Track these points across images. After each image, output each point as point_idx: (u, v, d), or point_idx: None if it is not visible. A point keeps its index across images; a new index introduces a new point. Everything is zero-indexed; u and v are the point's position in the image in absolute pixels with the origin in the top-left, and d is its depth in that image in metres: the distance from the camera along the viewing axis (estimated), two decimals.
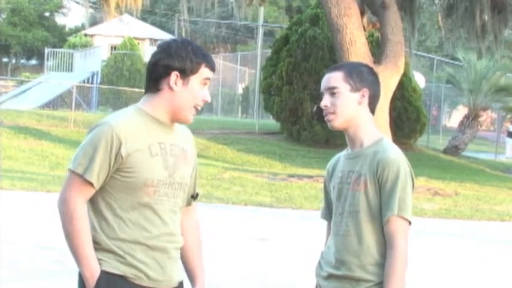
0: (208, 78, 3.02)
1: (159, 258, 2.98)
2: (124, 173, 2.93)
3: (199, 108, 3.03)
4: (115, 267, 2.92)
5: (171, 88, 2.97)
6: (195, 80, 2.98)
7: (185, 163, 3.06)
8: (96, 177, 2.90)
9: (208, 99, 3.04)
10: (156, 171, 2.95)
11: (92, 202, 2.96)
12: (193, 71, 2.97)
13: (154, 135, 2.98)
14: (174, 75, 2.95)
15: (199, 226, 3.29)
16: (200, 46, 3.06)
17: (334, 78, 3.18)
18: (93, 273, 2.90)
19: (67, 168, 2.97)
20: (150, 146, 2.95)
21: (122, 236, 2.93)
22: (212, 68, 3.03)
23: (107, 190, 2.95)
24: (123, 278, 2.93)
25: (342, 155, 3.29)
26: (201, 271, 3.22)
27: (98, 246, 2.93)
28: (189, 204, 3.19)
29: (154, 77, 2.99)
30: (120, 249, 2.93)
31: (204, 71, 2.99)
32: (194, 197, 3.20)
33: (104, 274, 2.91)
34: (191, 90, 2.98)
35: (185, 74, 2.96)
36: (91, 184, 2.90)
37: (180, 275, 3.10)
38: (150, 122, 2.98)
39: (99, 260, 2.92)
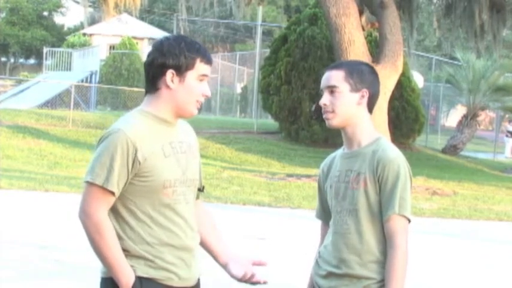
0: (206, 75, 2.99)
1: (186, 258, 3.00)
2: (142, 178, 2.92)
3: (201, 102, 3.02)
4: (145, 272, 2.93)
5: (168, 87, 2.95)
6: (191, 75, 2.96)
7: (193, 158, 3.08)
8: (116, 185, 2.89)
9: (209, 94, 3.02)
10: (172, 171, 2.96)
11: (113, 210, 2.94)
12: (189, 66, 2.95)
13: (164, 136, 2.97)
14: (170, 74, 2.94)
15: (210, 215, 3.29)
16: (194, 40, 3.02)
17: (334, 77, 3.19)
18: (129, 280, 2.91)
19: (84, 181, 2.94)
20: (162, 147, 2.95)
21: (149, 240, 2.93)
22: (208, 61, 2.99)
23: (126, 197, 2.93)
24: (154, 280, 2.94)
25: (337, 154, 3.30)
26: (232, 249, 3.21)
27: (127, 253, 2.92)
28: (197, 197, 3.20)
29: (151, 77, 2.98)
30: (149, 254, 2.93)
31: (199, 66, 2.96)
32: (201, 189, 3.21)
33: (137, 279, 2.92)
34: (189, 87, 2.96)
35: (180, 70, 2.94)
36: (112, 193, 2.89)
37: (200, 271, 3.11)
38: (157, 123, 2.98)
39: (130, 266, 2.92)
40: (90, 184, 2.90)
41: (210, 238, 3.20)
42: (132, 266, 2.92)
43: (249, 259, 3.19)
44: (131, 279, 2.90)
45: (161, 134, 2.97)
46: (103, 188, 2.88)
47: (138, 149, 2.89)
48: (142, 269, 2.93)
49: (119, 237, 2.92)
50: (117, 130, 2.91)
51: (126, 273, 2.90)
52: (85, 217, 2.91)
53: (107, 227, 2.89)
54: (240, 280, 3.14)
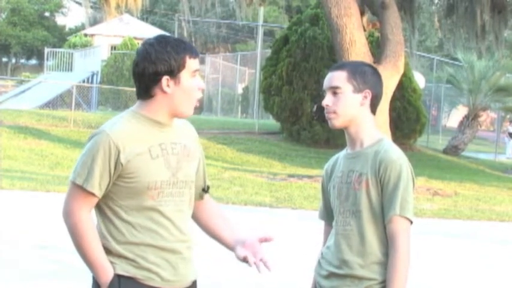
0: (197, 69, 2.98)
1: (171, 259, 2.96)
2: (126, 179, 2.90)
3: (199, 97, 3.00)
4: (125, 270, 2.91)
5: (164, 92, 2.93)
6: (185, 75, 2.93)
7: (188, 160, 3.03)
8: (98, 186, 2.88)
9: (203, 86, 3.01)
10: (158, 173, 2.93)
11: (98, 210, 2.95)
12: (181, 67, 2.92)
13: (154, 137, 2.95)
14: (165, 80, 2.91)
15: (219, 209, 3.29)
16: (177, 39, 3.00)
17: (337, 78, 3.18)
18: (109, 279, 2.90)
19: (68, 179, 2.95)
20: (150, 148, 2.93)
21: (132, 240, 2.92)
22: (196, 55, 2.97)
23: (111, 197, 2.93)
24: (134, 280, 2.92)
25: (341, 155, 3.30)
26: (241, 234, 3.21)
27: (109, 252, 2.92)
28: (201, 198, 3.18)
29: (144, 86, 2.94)
30: (131, 253, 2.91)
31: (190, 63, 2.94)
32: (205, 190, 3.19)
33: (116, 277, 2.91)
34: (185, 87, 2.94)
35: (174, 74, 2.92)
36: (92, 194, 2.89)
37: (194, 274, 3.08)
38: (149, 124, 2.95)
39: (110, 263, 2.91)
40: (72, 183, 2.92)
41: (218, 227, 3.21)
42: (112, 263, 2.91)
43: (256, 239, 3.19)
44: (110, 278, 2.90)
45: (151, 135, 2.94)
46: (83, 188, 2.89)
47: (121, 151, 2.88)
48: (122, 267, 2.91)
49: (103, 237, 2.92)
50: (101, 131, 2.91)
51: (106, 272, 2.89)
52: (66, 216, 2.93)
53: (88, 227, 2.89)
54: (243, 261, 3.13)
